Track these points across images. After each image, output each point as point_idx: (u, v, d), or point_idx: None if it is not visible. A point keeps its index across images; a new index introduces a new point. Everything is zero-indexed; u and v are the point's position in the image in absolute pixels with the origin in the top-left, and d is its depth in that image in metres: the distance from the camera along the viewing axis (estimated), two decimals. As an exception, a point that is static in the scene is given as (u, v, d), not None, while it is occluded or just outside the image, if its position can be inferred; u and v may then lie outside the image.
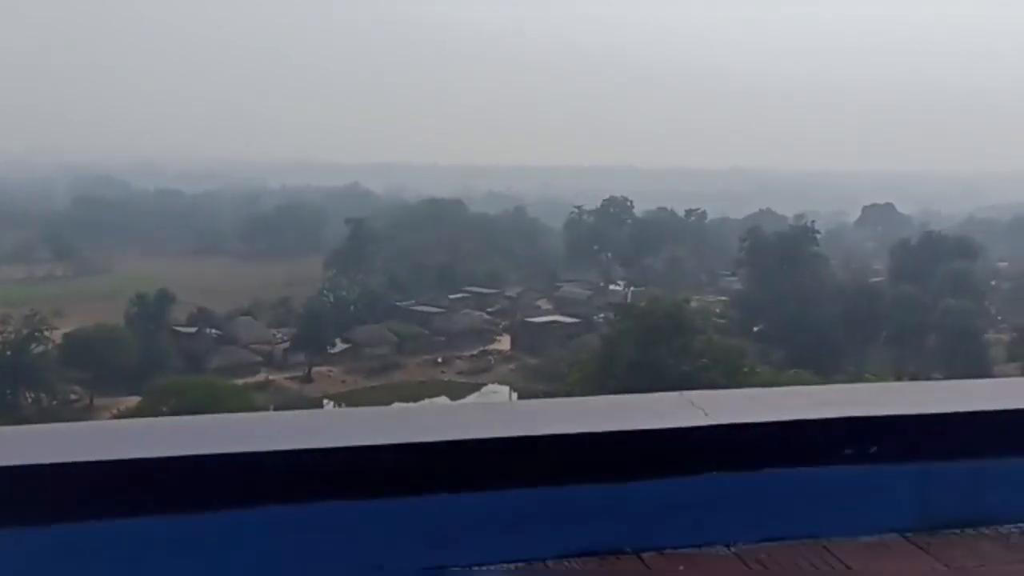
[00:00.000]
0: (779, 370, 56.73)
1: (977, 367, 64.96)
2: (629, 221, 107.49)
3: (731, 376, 53.06)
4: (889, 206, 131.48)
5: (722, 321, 74.07)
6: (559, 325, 78.98)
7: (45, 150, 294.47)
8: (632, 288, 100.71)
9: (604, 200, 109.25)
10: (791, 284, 73.40)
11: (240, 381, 68.11)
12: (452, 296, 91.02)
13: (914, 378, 71.12)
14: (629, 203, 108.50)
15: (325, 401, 72.14)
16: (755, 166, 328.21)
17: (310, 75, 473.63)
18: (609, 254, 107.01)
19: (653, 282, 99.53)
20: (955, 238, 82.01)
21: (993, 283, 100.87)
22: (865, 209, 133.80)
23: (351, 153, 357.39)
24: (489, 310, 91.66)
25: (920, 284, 71.86)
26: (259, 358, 70.89)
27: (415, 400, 70.16)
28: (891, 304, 70.25)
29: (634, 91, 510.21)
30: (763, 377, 52.50)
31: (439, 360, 77.33)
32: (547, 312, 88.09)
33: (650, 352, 48.39)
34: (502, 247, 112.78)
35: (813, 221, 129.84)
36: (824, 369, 67.91)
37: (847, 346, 69.82)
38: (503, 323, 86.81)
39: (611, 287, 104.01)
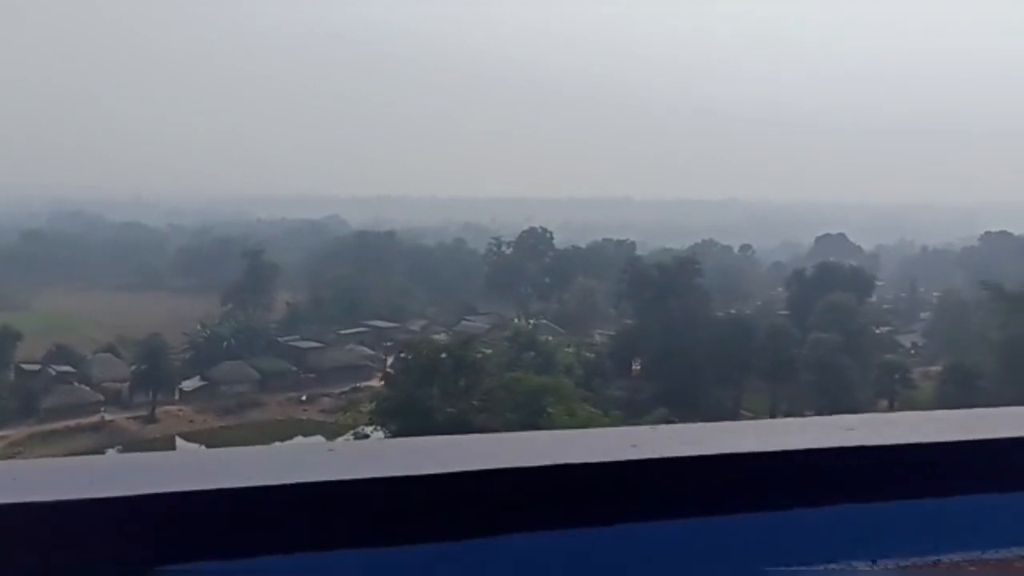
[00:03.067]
0: (594, 407, 53.13)
1: (841, 402, 61.01)
2: (549, 253, 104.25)
3: (530, 418, 49.76)
4: (841, 236, 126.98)
5: (591, 356, 70.59)
6: (433, 361, 75.54)
7: (42, 187, 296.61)
8: (544, 321, 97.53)
9: (523, 232, 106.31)
10: (668, 318, 69.77)
11: (72, 422, 65.79)
12: (347, 331, 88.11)
13: (788, 414, 67.24)
14: (549, 235, 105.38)
15: (179, 441, 69.47)
16: (752, 197, 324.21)
17: (316, 108, 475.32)
18: (529, 287, 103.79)
19: (568, 315, 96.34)
20: (849, 268, 77.76)
21: (923, 315, 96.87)
22: (818, 239, 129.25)
23: (347, 186, 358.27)
24: (386, 344, 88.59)
25: (798, 317, 67.96)
26: (100, 397, 68.24)
27: (270, 440, 67.22)
28: (764, 338, 66.41)
29: (633, 122, 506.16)
30: (559, 419, 49.12)
31: (303, 398, 74.34)
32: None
33: (418, 392, 45.17)
34: (430, 280, 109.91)
35: (753, 251, 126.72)
36: (691, 405, 64.28)
37: (716, 381, 66.27)
38: (390, 359, 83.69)
39: (531, 321, 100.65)
